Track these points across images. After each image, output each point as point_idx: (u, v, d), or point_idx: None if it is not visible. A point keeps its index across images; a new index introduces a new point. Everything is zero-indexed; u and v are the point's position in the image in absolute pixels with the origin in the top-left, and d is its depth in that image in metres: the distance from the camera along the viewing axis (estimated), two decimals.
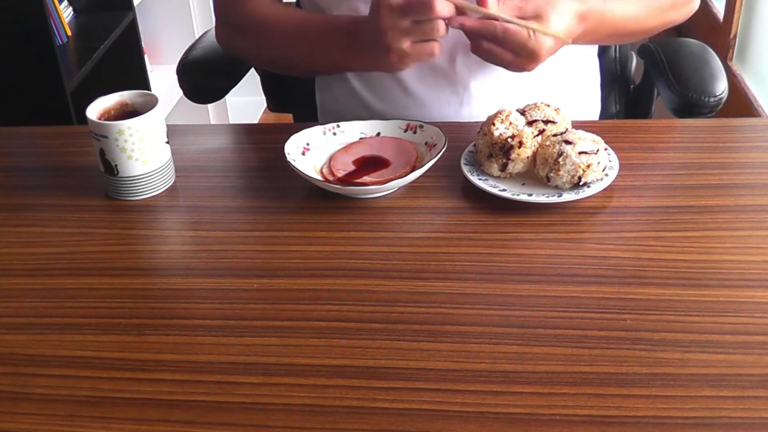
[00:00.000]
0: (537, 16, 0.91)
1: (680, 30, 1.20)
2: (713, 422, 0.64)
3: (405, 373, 0.70)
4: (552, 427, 0.64)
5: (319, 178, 0.93)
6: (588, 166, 0.88)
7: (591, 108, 1.21)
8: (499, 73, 1.11)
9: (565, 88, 1.16)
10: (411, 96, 1.11)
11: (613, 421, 0.64)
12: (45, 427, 0.67)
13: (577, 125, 0.96)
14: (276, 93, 1.47)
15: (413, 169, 0.92)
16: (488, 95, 1.11)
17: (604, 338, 0.72)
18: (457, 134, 0.98)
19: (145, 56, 2.29)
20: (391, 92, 1.11)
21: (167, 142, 0.96)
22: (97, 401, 0.69)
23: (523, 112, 0.97)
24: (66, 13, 2.12)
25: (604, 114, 1.26)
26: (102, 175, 0.95)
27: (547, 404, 0.66)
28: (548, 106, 0.97)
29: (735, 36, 2.51)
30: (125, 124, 0.91)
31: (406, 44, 0.90)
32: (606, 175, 0.90)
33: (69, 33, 2.07)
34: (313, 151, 0.97)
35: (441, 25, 0.89)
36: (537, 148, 0.91)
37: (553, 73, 1.14)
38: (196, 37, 1.44)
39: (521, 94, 1.12)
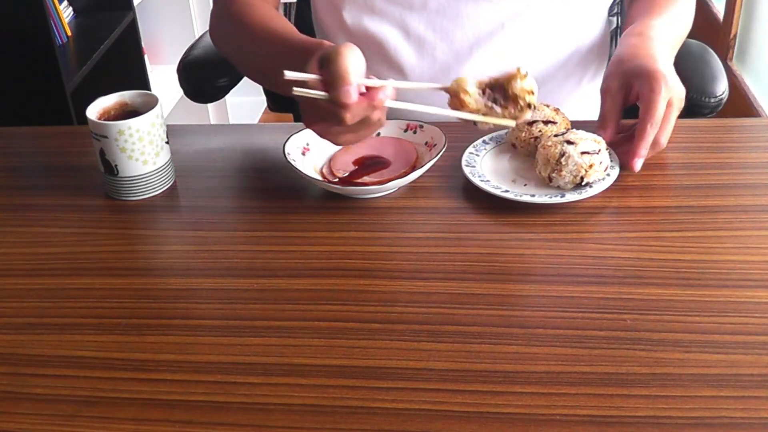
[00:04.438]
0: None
1: None
2: (713, 422, 0.64)
3: (405, 373, 0.70)
4: (552, 427, 0.64)
5: (319, 178, 0.93)
6: (590, 166, 0.88)
7: (597, 102, 1.21)
8: (498, 59, 1.11)
9: (576, 87, 1.16)
10: (419, 94, 1.11)
11: (613, 421, 0.64)
12: (45, 427, 0.67)
13: (578, 125, 0.96)
14: (276, 93, 1.47)
15: (413, 169, 0.92)
16: None
17: (604, 338, 0.72)
18: (457, 134, 0.98)
19: (145, 56, 2.29)
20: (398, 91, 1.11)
21: (167, 142, 0.96)
22: (97, 401, 0.69)
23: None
24: (66, 13, 2.12)
25: None
26: (102, 175, 0.95)
27: (547, 404, 0.66)
28: (548, 106, 0.97)
29: (735, 36, 2.52)
30: (125, 124, 0.91)
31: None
32: (608, 174, 0.90)
33: (69, 33, 2.07)
34: (313, 151, 0.97)
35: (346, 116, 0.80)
36: (539, 149, 0.91)
37: (564, 73, 1.14)
38: (196, 37, 1.44)
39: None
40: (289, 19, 2.15)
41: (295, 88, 0.80)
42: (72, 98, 1.84)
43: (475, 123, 0.85)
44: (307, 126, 0.85)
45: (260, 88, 1.47)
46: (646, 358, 0.70)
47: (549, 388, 0.67)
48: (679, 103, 0.92)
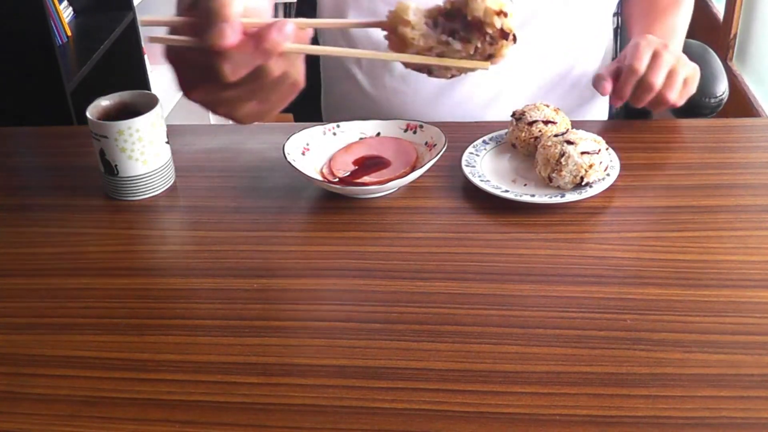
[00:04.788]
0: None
1: None
2: (713, 422, 0.64)
3: (405, 373, 0.69)
4: (552, 427, 0.64)
5: (319, 178, 0.93)
6: (590, 166, 0.88)
7: (600, 108, 1.21)
8: (504, 70, 1.11)
9: (580, 90, 1.16)
10: (417, 93, 1.11)
11: (613, 421, 0.64)
12: (45, 427, 0.67)
13: (578, 125, 0.96)
14: None
15: (413, 169, 0.92)
16: (495, 92, 1.11)
17: (604, 338, 0.72)
18: (457, 134, 0.98)
19: (145, 56, 2.29)
20: (396, 89, 1.11)
21: (167, 142, 0.96)
22: (97, 401, 0.69)
23: (522, 114, 0.97)
24: (66, 13, 2.12)
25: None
26: (102, 175, 0.95)
27: (547, 404, 0.66)
28: (547, 106, 0.97)
29: (735, 36, 2.51)
30: (125, 124, 0.91)
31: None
32: (608, 174, 0.90)
33: (69, 33, 2.07)
34: (313, 151, 0.97)
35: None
36: (539, 149, 0.91)
37: (569, 78, 1.14)
38: None
39: (529, 94, 1.12)
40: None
41: (149, 36, 0.60)
42: (72, 98, 1.84)
43: (430, 71, 0.62)
44: (188, 96, 0.62)
45: None
46: (646, 358, 0.70)
47: (549, 388, 0.67)
48: (668, 54, 0.97)
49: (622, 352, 0.70)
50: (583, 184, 0.89)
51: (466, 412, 0.65)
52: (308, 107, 1.33)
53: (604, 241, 0.85)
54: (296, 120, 1.48)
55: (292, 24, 0.57)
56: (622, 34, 1.29)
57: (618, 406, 0.65)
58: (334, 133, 0.99)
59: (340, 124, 1.00)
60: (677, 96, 0.97)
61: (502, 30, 0.59)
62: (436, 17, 0.59)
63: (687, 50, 1.17)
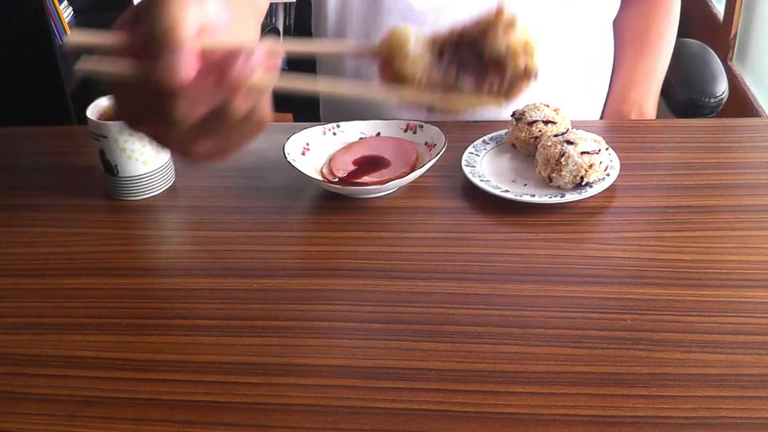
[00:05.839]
0: None
1: (680, 30, 1.21)
2: (713, 422, 0.64)
3: (405, 373, 0.69)
4: (552, 427, 0.64)
5: (319, 178, 0.93)
6: (590, 166, 0.88)
7: (600, 107, 1.22)
8: None
9: (580, 89, 1.16)
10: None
11: (613, 421, 0.64)
12: (45, 427, 0.67)
13: (578, 125, 0.96)
14: (276, 92, 1.47)
15: (413, 169, 0.92)
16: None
17: (604, 338, 0.72)
18: (458, 134, 0.98)
19: None
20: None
21: None
22: (97, 401, 0.69)
23: (522, 114, 0.97)
24: (66, 13, 2.12)
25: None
26: (102, 175, 0.95)
27: (547, 404, 0.66)
28: (547, 106, 0.97)
29: (735, 36, 2.51)
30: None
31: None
32: (608, 174, 0.90)
33: (69, 33, 2.07)
34: (313, 151, 0.97)
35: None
36: (539, 149, 0.91)
37: (571, 76, 1.14)
38: None
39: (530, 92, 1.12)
40: (288, 20, 2.14)
41: (78, 65, 0.48)
42: (72, 98, 1.85)
43: (431, 108, 0.53)
44: (133, 128, 0.51)
45: None
46: (646, 358, 0.70)
47: (549, 388, 0.67)
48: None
49: (622, 352, 0.70)
50: (583, 184, 0.89)
51: (466, 412, 0.65)
52: (308, 107, 1.33)
53: (604, 241, 0.85)
54: (296, 120, 1.48)
55: (262, 50, 0.46)
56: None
57: (618, 406, 0.65)
58: (334, 133, 0.99)
59: (340, 124, 1.00)
60: None
61: (525, 70, 0.49)
62: (442, 48, 0.50)
63: (687, 50, 1.18)
